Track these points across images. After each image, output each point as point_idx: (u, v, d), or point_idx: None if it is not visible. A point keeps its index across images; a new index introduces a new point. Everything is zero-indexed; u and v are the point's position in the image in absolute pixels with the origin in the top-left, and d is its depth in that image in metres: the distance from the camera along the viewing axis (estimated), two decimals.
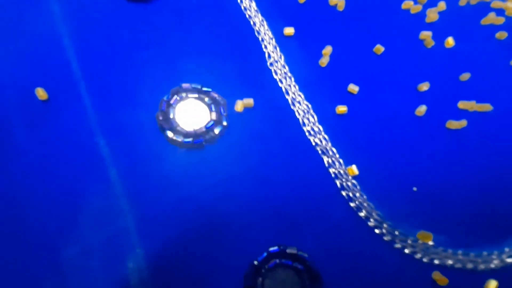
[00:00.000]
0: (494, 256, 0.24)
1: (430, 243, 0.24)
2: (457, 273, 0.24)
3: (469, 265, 0.24)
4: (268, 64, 0.29)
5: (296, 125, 0.27)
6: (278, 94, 0.28)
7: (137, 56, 0.27)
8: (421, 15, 0.31)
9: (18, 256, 0.22)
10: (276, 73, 0.28)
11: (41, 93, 0.25)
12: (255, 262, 0.22)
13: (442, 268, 0.24)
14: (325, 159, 0.26)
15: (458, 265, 0.24)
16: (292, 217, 0.24)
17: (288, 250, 0.23)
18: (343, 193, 0.25)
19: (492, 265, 0.24)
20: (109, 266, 0.22)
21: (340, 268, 0.23)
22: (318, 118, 0.27)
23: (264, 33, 0.29)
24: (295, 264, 0.22)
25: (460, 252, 0.24)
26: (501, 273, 0.24)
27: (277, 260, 0.22)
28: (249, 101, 0.27)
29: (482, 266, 0.24)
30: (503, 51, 0.31)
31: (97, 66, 0.27)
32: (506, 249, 0.25)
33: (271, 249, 0.23)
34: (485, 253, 0.24)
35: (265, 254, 0.23)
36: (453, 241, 0.25)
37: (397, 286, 0.23)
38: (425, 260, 0.24)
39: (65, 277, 0.22)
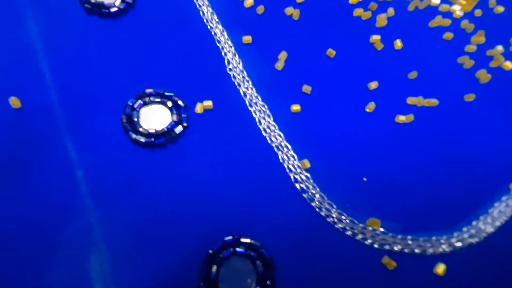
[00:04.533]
0: (442, 241, 0.26)
1: (381, 229, 0.26)
2: (407, 258, 0.25)
3: (418, 250, 0.25)
4: (228, 69, 0.31)
5: (252, 124, 0.29)
6: (236, 97, 0.30)
7: (105, 66, 0.30)
8: (372, 20, 0.34)
9: None
10: (234, 78, 0.30)
11: (14, 102, 0.27)
12: (210, 251, 0.24)
13: (392, 253, 0.25)
14: (280, 154, 0.28)
15: (407, 250, 0.25)
16: (248, 210, 0.26)
17: (242, 239, 0.24)
18: (297, 185, 0.27)
19: (441, 249, 0.25)
20: (73, 261, 0.24)
21: (293, 256, 0.24)
22: (273, 117, 0.29)
23: (225, 42, 0.32)
24: (249, 252, 0.24)
25: (409, 237, 0.25)
26: (450, 257, 0.25)
27: (232, 249, 0.24)
28: (209, 103, 0.29)
29: (430, 250, 0.25)
30: (449, 50, 0.33)
31: (68, 76, 0.29)
32: (455, 234, 0.26)
33: (226, 238, 0.24)
34: (434, 238, 0.26)
35: (220, 243, 0.24)
36: (403, 228, 0.26)
37: (349, 270, 0.24)
38: (376, 246, 0.25)
39: (29, 272, 0.23)
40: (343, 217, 0.26)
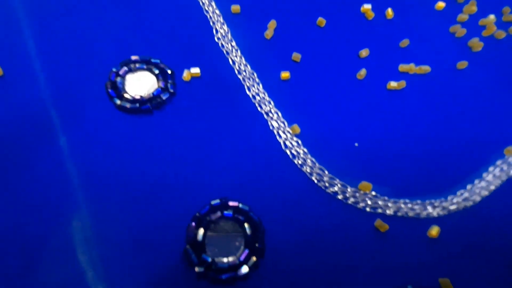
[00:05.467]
0: (436, 204, 0.25)
1: (373, 193, 0.25)
2: (400, 221, 0.24)
3: (411, 213, 0.24)
4: (216, 38, 0.30)
5: (241, 92, 0.28)
6: (225, 65, 0.29)
7: (90, 32, 0.29)
8: None
9: None
10: (223, 46, 0.30)
11: None
12: (197, 214, 0.23)
13: (385, 217, 0.24)
14: (269, 120, 0.27)
15: (400, 214, 0.24)
16: (237, 176, 0.25)
17: (230, 203, 0.23)
18: (287, 151, 0.26)
19: (434, 213, 0.25)
20: (55, 226, 0.23)
21: (284, 220, 0.24)
22: (262, 84, 0.28)
23: (213, 12, 0.31)
24: (236, 215, 0.23)
25: (402, 201, 0.25)
26: (444, 220, 0.25)
27: (219, 213, 0.23)
28: (196, 70, 0.28)
29: (424, 214, 0.25)
30: (441, 20, 0.32)
31: (52, 43, 0.28)
32: (449, 197, 0.25)
33: (213, 202, 0.23)
34: (427, 201, 0.25)
35: (207, 207, 0.23)
36: (397, 192, 0.25)
37: (340, 233, 0.23)
38: (368, 210, 0.25)
39: (11, 241, 0.22)
40: (335, 181, 0.25)
